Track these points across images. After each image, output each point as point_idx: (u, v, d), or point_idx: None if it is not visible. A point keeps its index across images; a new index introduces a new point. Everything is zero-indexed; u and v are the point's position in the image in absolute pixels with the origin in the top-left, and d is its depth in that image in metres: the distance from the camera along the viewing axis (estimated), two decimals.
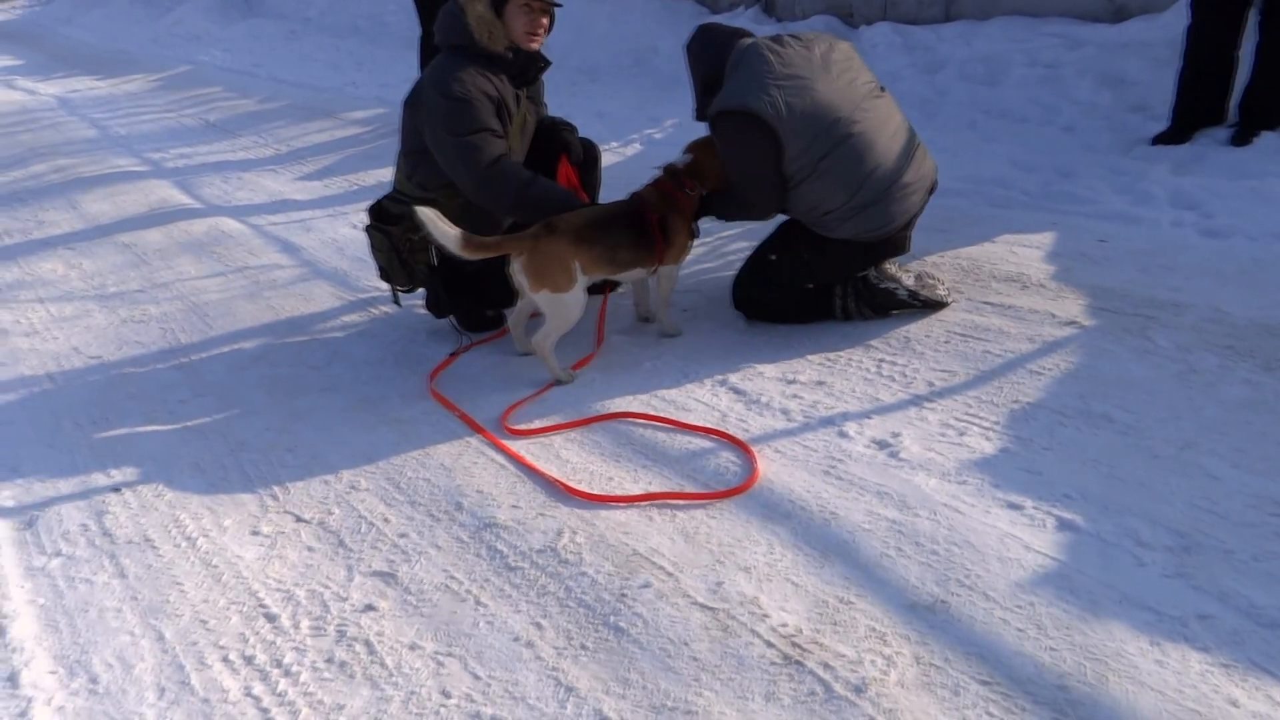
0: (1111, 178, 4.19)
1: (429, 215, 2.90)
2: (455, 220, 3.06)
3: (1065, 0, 5.75)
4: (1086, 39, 5.42)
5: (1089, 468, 2.46)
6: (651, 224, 3.23)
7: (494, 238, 3.08)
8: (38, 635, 2.35)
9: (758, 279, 3.40)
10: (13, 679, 2.21)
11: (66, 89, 11.97)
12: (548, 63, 3.49)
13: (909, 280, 3.31)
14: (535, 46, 3.39)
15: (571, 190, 3.45)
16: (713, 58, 3.27)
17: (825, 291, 3.34)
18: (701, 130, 3.39)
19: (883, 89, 3.28)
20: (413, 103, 3.38)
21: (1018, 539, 2.25)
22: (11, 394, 3.64)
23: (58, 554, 2.65)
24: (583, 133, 3.79)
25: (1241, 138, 4.21)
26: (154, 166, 7.21)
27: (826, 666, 1.99)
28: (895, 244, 3.33)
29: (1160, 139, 4.42)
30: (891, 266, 3.34)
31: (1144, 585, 2.08)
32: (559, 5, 3.42)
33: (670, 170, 3.32)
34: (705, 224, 4.20)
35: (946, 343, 3.14)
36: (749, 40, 3.27)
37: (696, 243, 3.50)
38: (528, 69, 3.40)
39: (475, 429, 3.02)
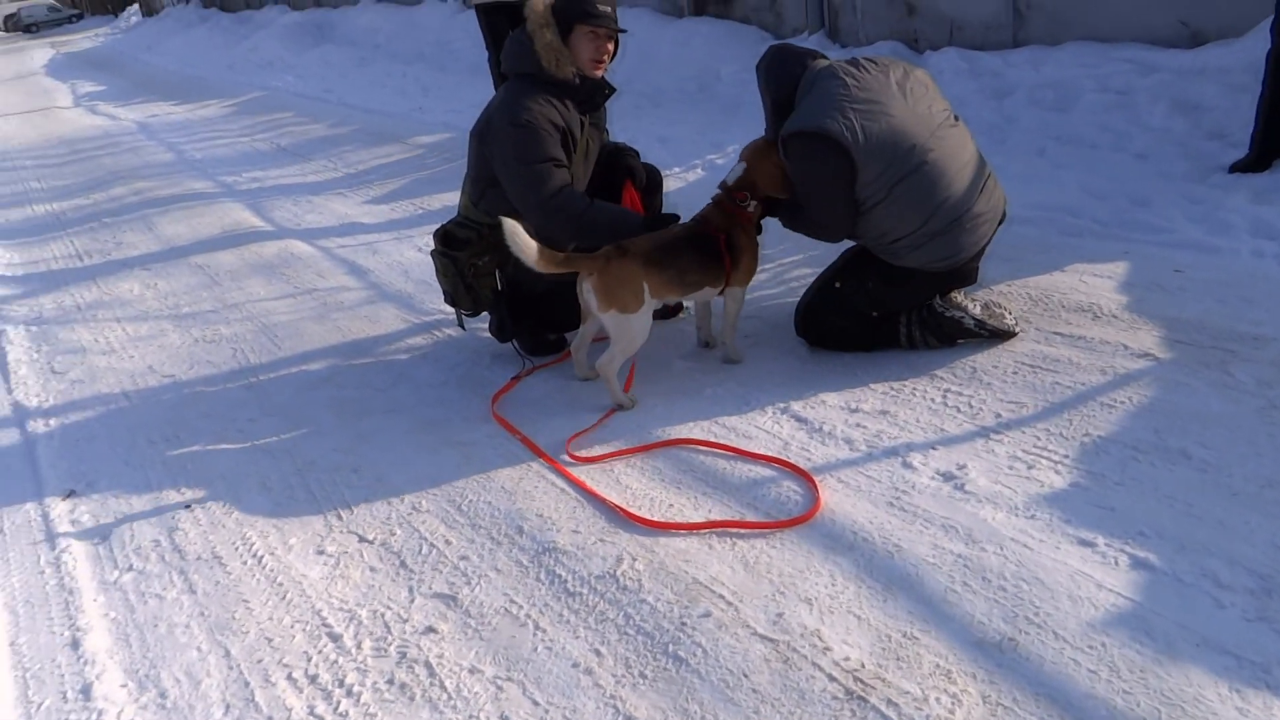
0: (1187, 206, 4.09)
1: (512, 226, 2.95)
2: None
3: (1138, 26, 5.64)
4: (1160, 65, 5.31)
5: (1164, 505, 2.38)
6: (719, 243, 3.24)
7: (567, 253, 3.12)
8: (110, 649, 2.41)
9: (823, 306, 3.38)
10: (85, 691, 2.26)
11: (146, 114, 12.37)
12: (613, 89, 3.52)
13: (976, 309, 3.26)
14: (600, 73, 3.43)
15: (629, 209, 3.46)
16: (785, 79, 3.25)
17: (890, 319, 3.31)
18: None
19: (957, 118, 3.25)
20: (480, 132, 3.43)
21: (1089, 577, 2.19)
22: (90, 411, 3.75)
23: (130, 569, 2.72)
24: (645, 158, 3.82)
25: None
26: (227, 189, 7.42)
27: (890, 703, 1.95)
28: (964, 274, 3.29)
29: (1238, 166, 4.30)
30: (958, 295, 3.29)
31: (1224, 628, 2.01)
32: (623, 31, 3.46)
33: (725, 187, 3.33)
34: (768, 250, 4.19)
35: (1015, 374, 3.08)
36: (824, 62, 3.26)
37: (760, 269, 3.48)
38: (594, 95, 3.44)
39: (537, 453, 3.03)
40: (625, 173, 3.66)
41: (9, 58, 27.97)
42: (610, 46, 3.42)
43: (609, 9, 3.36)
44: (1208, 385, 2.83)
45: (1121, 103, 5.21)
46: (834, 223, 3.26)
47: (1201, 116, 4.86)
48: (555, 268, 3.05)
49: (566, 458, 2.97)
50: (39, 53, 27.23)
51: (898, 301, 3.29)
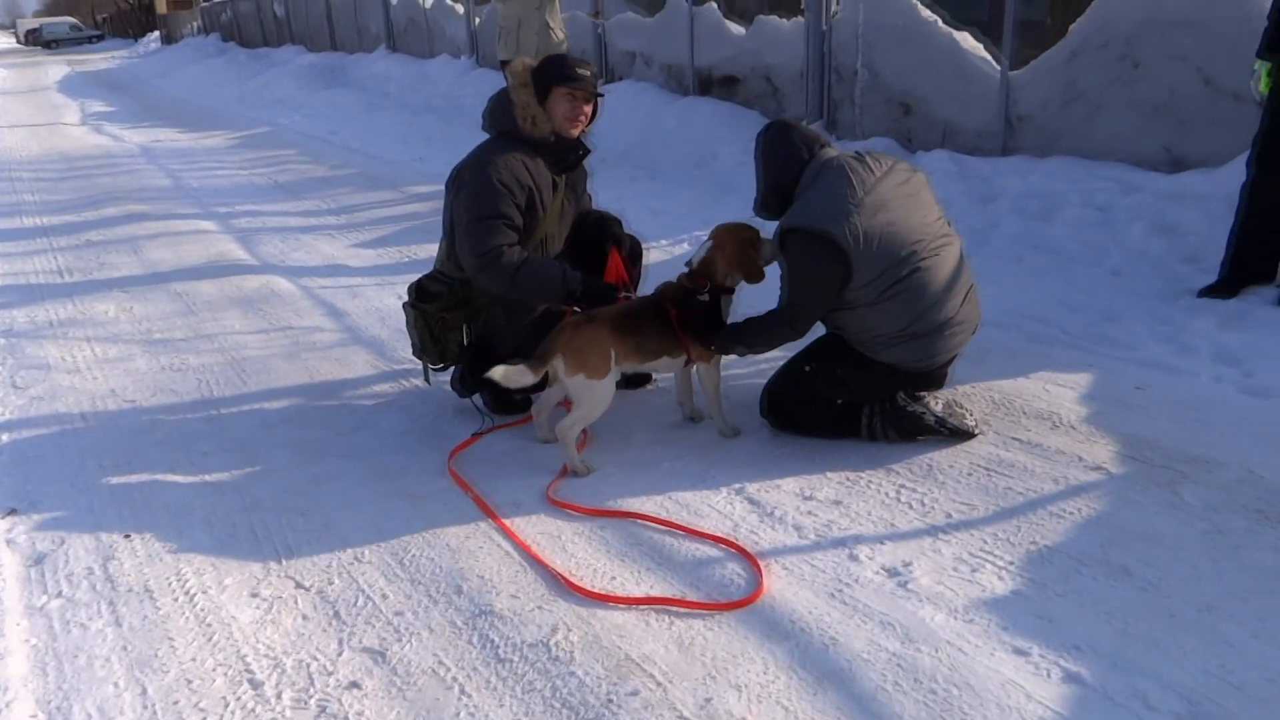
0: (1155, 326, 4.15)
1: (499, 374, 3.06)
2: (495, 297, 3.43)
3: (1124, 146, 5.79)
4: (1142, 185, 5.43)
5: (1103, 620, 2.38)
6: (670, 317, 3.27)
7: (542, 347, 3.15)
8: (25, 677, 2.35)
9: (790, 388, 3.39)
10: None
11: (151, 138, 12.49)
12: (588, 150, 3.58)
13: (938, 406, 3.28)
14: (576, 133, 3.49)
15: (561, 263, 3.45)
16: (791, 161, 3.27)
17: (854, 409, 3.33)
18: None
19: (950, 223, 3.31)
20: (453, 183, 3.49)
21: (1020, 687, 2.17)
22: (44, 429, 3.72)
23: (59, 595, 2.67)
24: (636, 229, 3.89)
25: None
26: (219, 220, 7.46)
27: None
28: (934, 378, 3.34)
29: (1208, 292, 4.38)
30: (922, 392, 3.32)
31: None
32: (601, 95, 3.53)
33: (688, 266, 3.40)
34: None
35: (970, 475, 3.09)
36: (831, 153, 3.29)
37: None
38: (568, 155, 3.50)
39: (486, 511, 3.01)
40: (612, 240, 3.70)
41: (25, 71, 28.23)
42: (588, 109, 3.49)
43: (588, 73, 3.44)
44: (1156, 504, 2.85)
45: (1102, 219, 5.32)
46: (807, 322, 3.29)
47: (1178, 240, 4.95)
48: (545, 364, 3.11)
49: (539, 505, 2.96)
50: (54, 69, 27.52)
51: (864, 392, 3.31)
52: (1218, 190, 5.01)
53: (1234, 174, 4.69)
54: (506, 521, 2.95)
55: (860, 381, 3.30)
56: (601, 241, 3.70)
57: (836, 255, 3.07)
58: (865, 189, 3.14)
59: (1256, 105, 4.41)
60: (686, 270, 3.39)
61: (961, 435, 3.28)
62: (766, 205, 3.39)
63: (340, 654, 2.41)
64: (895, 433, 3.29)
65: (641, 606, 2.53)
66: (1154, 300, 4.45)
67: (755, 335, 3.34)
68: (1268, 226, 4.31)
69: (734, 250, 3.35)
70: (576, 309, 3.47)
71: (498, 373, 3.07)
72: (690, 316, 3.30)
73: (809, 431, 3.39)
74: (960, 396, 3.55)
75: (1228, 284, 4.37)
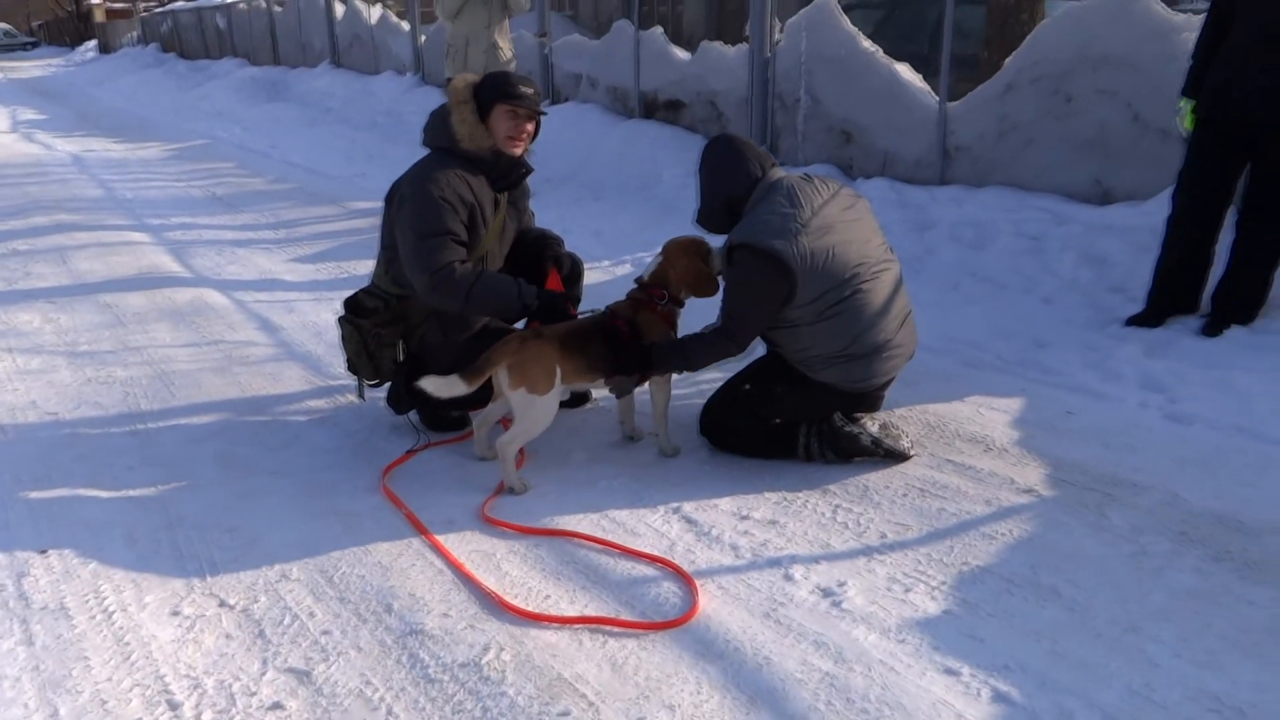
0: (1084, 352, 4.25)
1: (430, 385, 3.05)
2: (430, 313, 3.40)
3: (1055, 179, 5.94)
4: (1072, 217, 5.57)
5: (1031, 640, 2.41)
6: (622, 333, 3.26)
7: (482, 359, 3.11)
8: None
9: (728, 408, 3.40)
10: None
11: (83, 147, 12.20)
12: (529, 169, 3.56)
13: (873, 428, 3.31)
14: (518, 152, 3.47)
15: (517, 280, 3.42)
16: (740, 178, 3.28)
17: (790, 429, 3.34)
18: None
19: (891, 249, 3.36)
20: (391, 199, 3.44)
21: (951, 706, 2.19)
22: None
23: None
24: (579, 248, 3.88)
25: (1212, 329, 4.29)
26: (152, 232, 7.30)
27: None
28: (871, 400, 3.37)
29: (1134, 320, 4.50)
30: (859, 414, 3.35)
31: None
32: (544, 114, 3.52)
33: (639, 282, 3.39)
34: None
35: (904, 496, 3.12)
36: (779, 173, 3.32)
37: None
38: (509, 173, 3.47)
39: (418, 528, 2.96)
40: (551, 259, 3.69)
41: None
42: (529, 127, 3.47)
43: (530, 91, 3.42)
44: (1084, 526, 2.90)
45: (1034, 248, 5.44)
46: (747, 338, 3.30)
47: (1106, 270, 5.09)
48: (481, 377, 3.08)
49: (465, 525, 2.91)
50: None
51: (801, 412, 3.33)
52: (1144, 222, 5.16)
53: (1160, 207, 4.84)
54: (440, 539, 2.90)
55: (797, 401, 3.32)
56: (540, 260, 3.68)
57: (783, 272, 3.10)
58: (813, 210, 3.17)
59: (1181, 141, 4.56)
60: (636, 285, 3.39)
61: (897, 457, 3.32)
62: (712, 219, 3.39)
63: (264, 674, 2.34)
64: (832, 453, 3.31)
65: (574, 626, 2.50)
66: (1083, 328, 4.56)
67: (696, 350, 3.33)
68: (1190, 259, 4.45)
69: (685, 264, 3.36)
70: (524, 324, 3.45)
71: (428, 384, 3.04)
72: (627, 336, 3.28)
73: (747, 451, 3.40)
74: (896, 419, 3.59)
75: (1153, 313, 4.49)
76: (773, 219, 3.16)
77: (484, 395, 3.28)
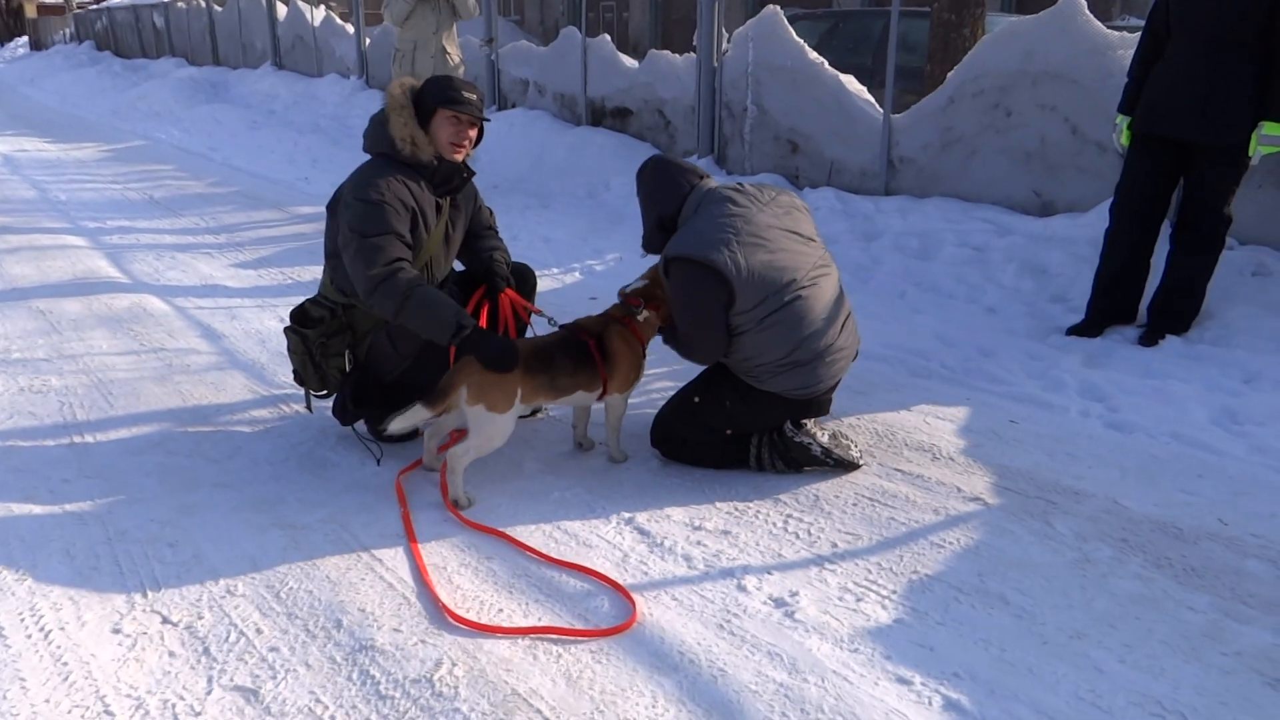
0: (1027, 362, 4.33)
1: (396, 426, 3.05)
2: (379, 323, 3.36)
3: (997, 190, 6.06)
4: (1014, 228, 5.69)
5: (980, 648, 2.44)
6: (589, 347, 3.26)
7: (443, 382, 3.08)
8: None
9: (679, 419, 3.41)
10: None
11: (14, 147, 11.86)
12: (471, 173, 3.52)
13: (824, 437, 3.34)
14: (459, 158, 3.43)
15: (451, 301, 3.28)
16: (670, 195, 3.32)
17: (742, 440, 3.36)
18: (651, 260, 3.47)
19: (828, 255, 3.40)
20: (333, 206, 3.39)
21: (903, 715, 2.21)
22: None
23: None
24: (528, 257, 3.84)
25: (1149, 339, 4.41)
26: (88, 235, 7.11)
27: None
28: (819, 405, 3.41)
29: (1074, 330, 4.60)
30: (809, 423, 3.37)
31: None
32: (487, 120, 3.49)
33: (621, 294, 3.40)
34: None
35: (854, 505, 3.15)
36: (710, 183, 3.35)
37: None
38: (451, 178, 3.44)
39: (410, 535, 2.92)
40: (503, 280, 3.62)
41: None
42: (472, 133, 3.44)
43: (474, 96, 3.38)
44: (1030, 534, 2.95)
45: (978, 258, 5.54)
46: (708, 346, 3.32)
47: (1047, 280, 5.20)
48: (444, 400, 3.06)
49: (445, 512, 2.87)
50: None
51: (752, 422, 3.35)
52: (1084, 234, 5.29)
53: (1099, 219, 4.96)
54: (390, 552, 2.86)
55: (747, 412, 3.34)
56: (493, 280, 3.62)
57: (719, 281, 3.12)
58: (745, 220, 3.21)
59: (1119, 156, 4.68)
60: (621, 297, 3.43)
61: (846, 466, 3.35)
62: (651, 242, 3.44)
63: (209, 692, 2.28)
64: (782, 463, 3.33)
65: (527, 641, 2.48)
66: (1025, 337, 4.65)
67: (676, 345, 3.43)
68: (1127, 271, 4.57)
69: (660, 286, 3.40)
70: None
71: (396, 424, 3.05)
72: (608, 345, 3.31)
73: (699, 462, 3.41)
74: (845, 428, 3.63)
75: (1092, 323, 4.60)
76: (706, 228, 3.19)
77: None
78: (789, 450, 3.32)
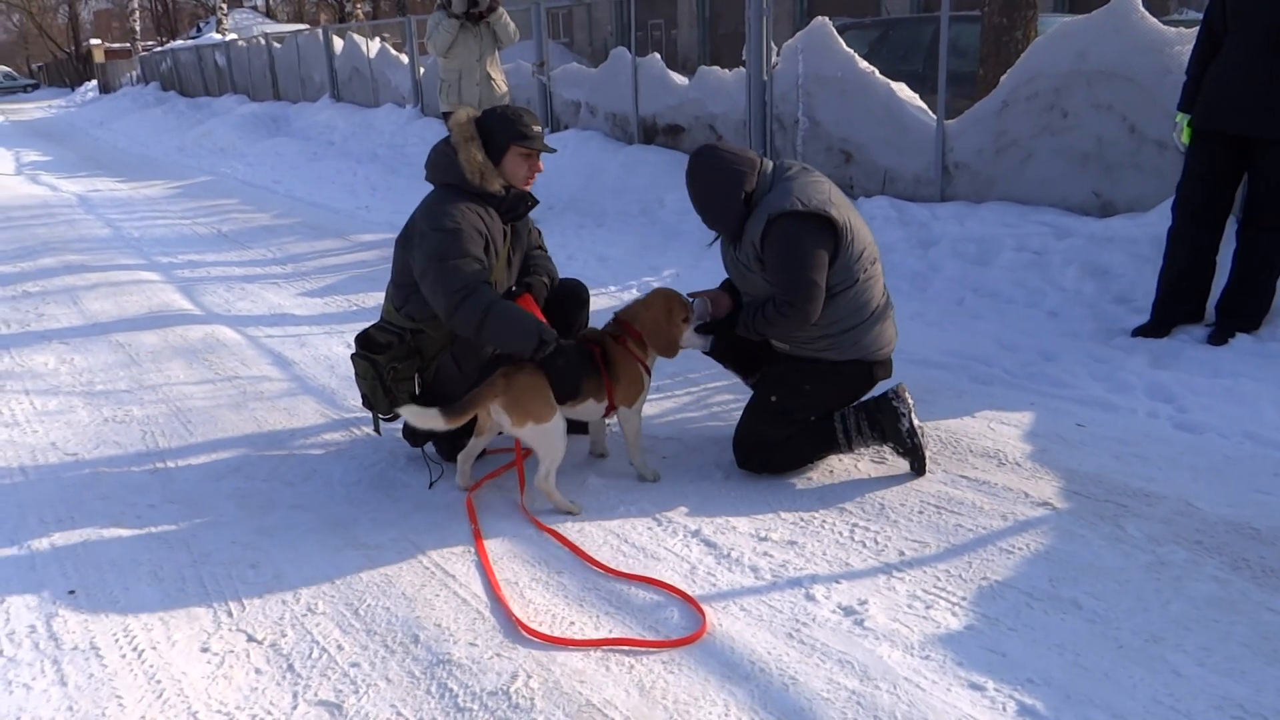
0: (1091, 364, 4.28)
1: (414, 412, 3.10)
2: (445, 346, 3.43)
3: (1054, 192, 6.00)
4: (1074, 230, 5.62)
5: (1054, 653, 2.43)
6: (594, 354, 3.34)
7: (466, 398, 3.14)
8: None
9: (764, 423, 3.40)
10: None
11: (88, 188, 12.30)
12: (535, 200, 3.61)
13: (914, 416, 3.33)
14: (528, 187, 3.54)
15: (532, 315, 3.35)
16: (746, 171, 3.31)
17: (826, 422, 3.38)
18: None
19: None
20: (404, 238, 3.48)
21: None
22: None
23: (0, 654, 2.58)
24: (584, 275, 3.89)
25: (1218, 337, 4.33)
26: (161, 270, 7.36)
27: None
28: (886, 365, 3.49)
29: (1140, 331, 4.53)
30: (904, 392, 3.37)
31: None
32: (554, 151, 3.59)
33: (615, 316, 3.49)
34: (692, 374, 4.27)
35: (920, 513, 3.14)
36: (772, 161, 3.41)
37: (684, 392, 3.54)
38: (518, 206, 3.53)
39: (480, 550, 2.99)
40: (524, 288, 3.69)
41: None
42: (541, 165, 3.55)
43: (539, 127, 3.49)
44: (1101, 538, 2.92)
45: (1037, 262, 5.48)
46: (813, 302, 3.21)
47: (1109, 281, 5.13)
48: (462, 417, 3.11)
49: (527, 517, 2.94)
50: None
51: (837, 397, 3.41)
52: (1145, 234, 5.20)
53: (1160, 218, 4.89)
54: (471, 566, 2.93)
55: (829, 388, 3.40)
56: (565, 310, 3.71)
57: (830, 232, 3.22)
58: (831, 185, 3.35)
59: (1179, 154, 4.62)
60: (613, 319, 3.49)
61: (916, 460, 3.34)
62: (728, 218, 3.36)
63: (295, 708, 2.36)
64: (868, 427, 3.33)
65: (600, 652, 2.52)
66: (1089, 340, 4.59)
67: (765, 324, 3.34)
68: (1193, 270, 4.50)
69: (658, 315, 3.40)
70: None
71: (408, 411, 3.11)
72: (610, 356, 3.37)
73: (791, 461, 3.43)
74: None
75: (1158, 324, 4.53)
76: (799, 189, 3.24)
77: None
78: (879, 411, 3.33)
